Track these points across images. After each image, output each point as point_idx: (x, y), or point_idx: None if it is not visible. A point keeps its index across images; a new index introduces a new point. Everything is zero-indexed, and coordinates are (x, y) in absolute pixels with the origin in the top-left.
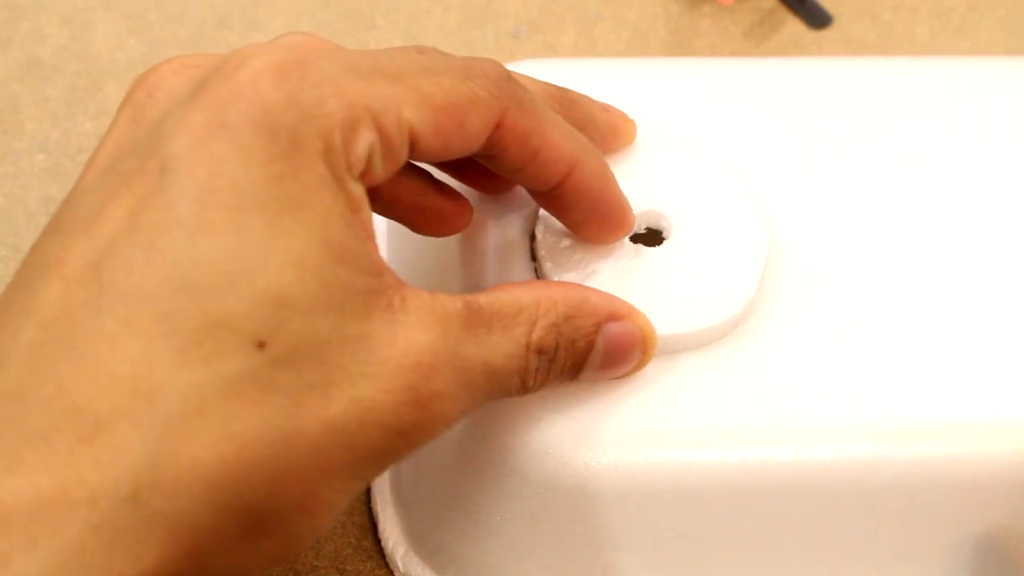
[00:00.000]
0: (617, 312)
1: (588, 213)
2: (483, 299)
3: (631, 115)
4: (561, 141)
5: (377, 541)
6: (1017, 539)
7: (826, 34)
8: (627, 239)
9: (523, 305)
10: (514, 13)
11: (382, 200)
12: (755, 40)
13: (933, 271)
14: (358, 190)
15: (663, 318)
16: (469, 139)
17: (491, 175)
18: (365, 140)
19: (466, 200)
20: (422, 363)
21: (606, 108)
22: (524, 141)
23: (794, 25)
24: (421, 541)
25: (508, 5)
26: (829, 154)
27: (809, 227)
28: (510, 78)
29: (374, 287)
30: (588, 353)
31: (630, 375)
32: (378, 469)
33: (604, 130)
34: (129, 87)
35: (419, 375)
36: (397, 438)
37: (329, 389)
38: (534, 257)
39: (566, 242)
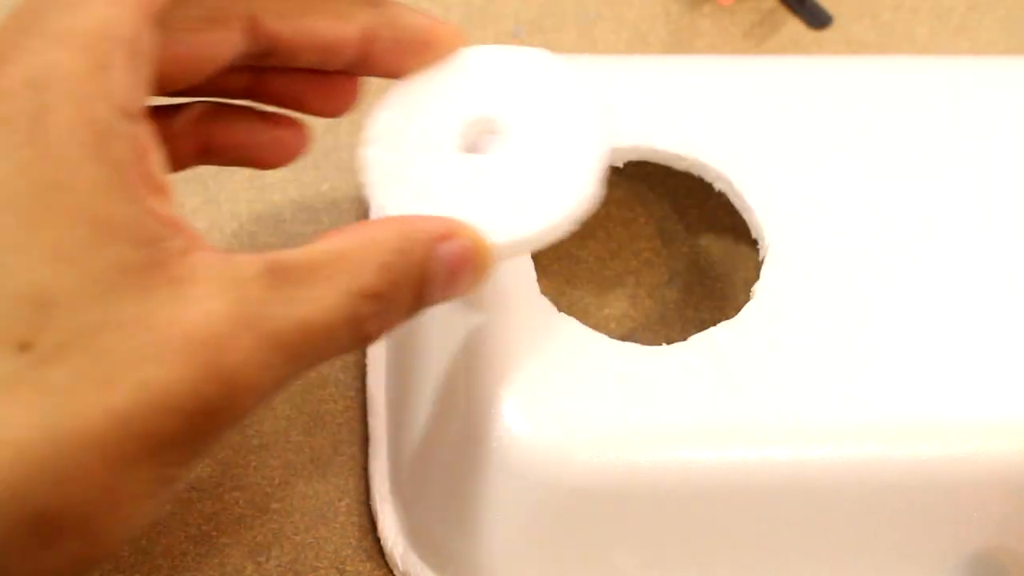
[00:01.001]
0: (446, 231)
1: (410, 44)
2: (295, 254)
3: (629, 111)
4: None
5: (376, 541)
6: (1015, 540)
7: (826, 34)
8: (459, 149)
9: (344, 251)
10: (514, 13)
11: (212, 150)
12: (755, 40)
13: (933, 270)
14: (131, 132)
15: (500, 225)
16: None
17: (313, 88)
18: (120, 58)
19: (299, 122)
20: (216, 334)
21: (422, 13)
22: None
23: (794, 25)
24: (420, 540)
25: (508, 5)
26: (828, 152)
27: (809, 225)
28: None
29: (152, 259)
30: (427, 282)
31: (473, 289)
32: (191, 453)
33: (421, 33)
34: None
35: (214, 348)
36: (202, 419)
37: (110, 379)
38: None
39: (395, 159)
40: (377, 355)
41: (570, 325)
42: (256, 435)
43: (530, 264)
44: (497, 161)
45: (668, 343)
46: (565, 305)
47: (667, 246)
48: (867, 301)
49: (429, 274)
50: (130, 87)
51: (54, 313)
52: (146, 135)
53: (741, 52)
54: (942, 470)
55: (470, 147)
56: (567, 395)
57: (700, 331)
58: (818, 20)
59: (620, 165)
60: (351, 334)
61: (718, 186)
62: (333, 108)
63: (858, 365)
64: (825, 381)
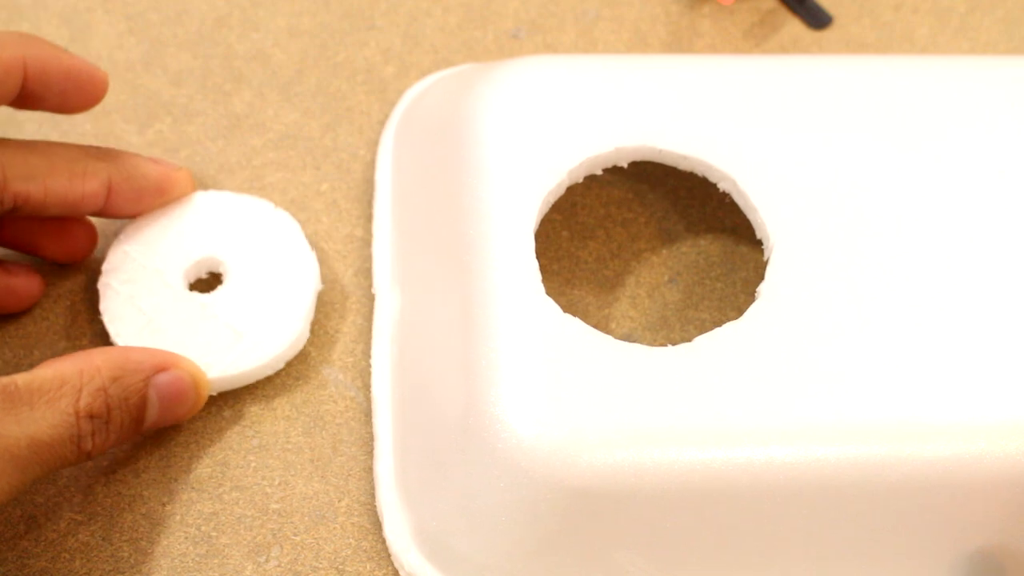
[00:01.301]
0: (162, 363)
1: (62, 91)
2: (22, 379)
3: (632, 111)
4: None
5: (377, 541)
6: (1014, 540)
7: (826, 34)
8: (186, 286)
9: (65, 377)
10: (514, 13)
11: None
12: (755, 40)
13: (937, 271)
14: None
15: (217, 359)
16: None
17: (48, 238)
18: None
19: (33, 271)
20: None
21: (156, 161)
22: None
23: (794, 25)
24: (426, 541)
25: (508, 5)
26: (833, 152)
27: (814, 224)
28: None
29: None
30: (143, 407)
31: (190, 414)
32: None
33: (156, 181)
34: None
35: None
36: None
37: None
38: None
39: (129, 291)
40: (381, 356)
41: (575, 326)
42: (256, 435)
43: (535, 265)
44: (219, 299)
45: (670, 343)
46: (565, 305)
47: (667, 246)
48: (872, 301)
49: (145, 400)
50: None
51: None
52: None
53: (741, 52)
54: (946, 470)
55: (197, 284)
56: (573, 396)
57: (702, 331)
58: (818, 20)
59: (624, 165)
60: (74, 448)
61: (722, 186)
62: (70, 253)
63: (861, 366)
64: (829, 382)
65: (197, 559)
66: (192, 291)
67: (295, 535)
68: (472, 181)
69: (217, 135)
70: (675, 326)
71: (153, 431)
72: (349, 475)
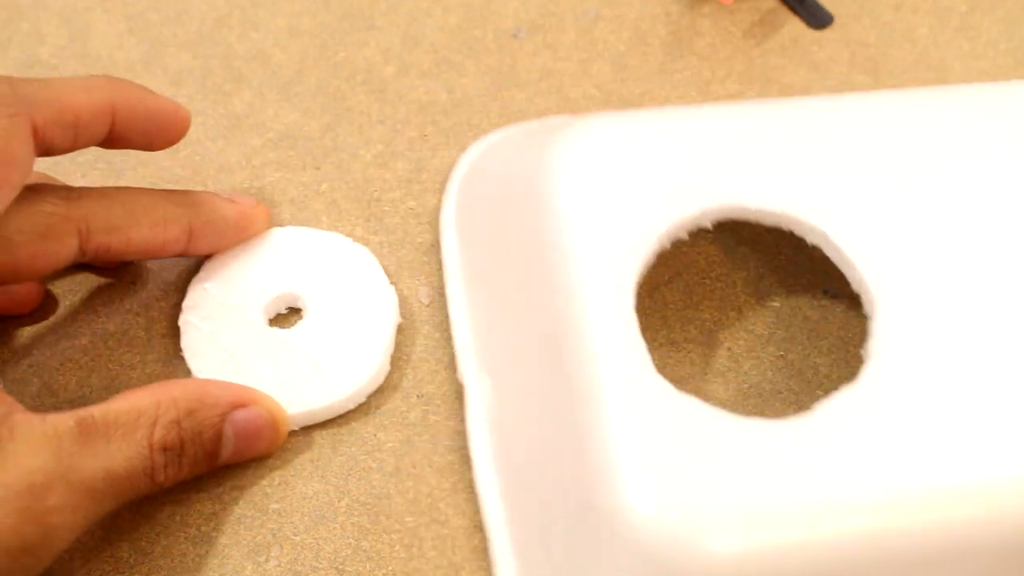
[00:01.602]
0: (240, 399)
1: (147, 131)
2: (98, 412)
3: (706, 167)
4: (85, 100)
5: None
6: None
7: (826, 34)
8: (265, 321)
9: (141, 409)
10: (514, 13)
11: None
12: (755, 40)
13: None
14: None
15: (296, 395)
16: None
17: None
18: None
19: (39, 285)
20: (34, 484)
21: (233, 200)
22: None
23: (794, 24)
24: None
25: (508, 5)
26: (923, 194)
27: (915, 274)
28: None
29: None
30: (218, 441)
31: (271, 450)
32: None
33: (235, 221)
34: None
35: (32, 496)
36: (22, 555)
37: None
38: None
39: (209, 327)
40: (480, 446)
41: (691, 403)
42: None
43: (642, 344)
44: (299, 333)
45: (669, 342)
46: None
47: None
48: (991, 348)
49: (220, 435)
50: None
51: None
52: None
53: (741, 52)
54: None
55: (276, 319)
56: (694, 476)
57: (703, 332)
58: (818, 20)
59: (709, 226)
60: (147, 480)
61: (811, 239)
62: (12, 309)
63: (993, 417)
64: (959, 438)
65: (197, 559)
66: (272, 326)
67: (295, 535)
68: (559, 259)
69: (217, 135)
70: (675, 326)
71: (230, 464)
72: (349, 475)
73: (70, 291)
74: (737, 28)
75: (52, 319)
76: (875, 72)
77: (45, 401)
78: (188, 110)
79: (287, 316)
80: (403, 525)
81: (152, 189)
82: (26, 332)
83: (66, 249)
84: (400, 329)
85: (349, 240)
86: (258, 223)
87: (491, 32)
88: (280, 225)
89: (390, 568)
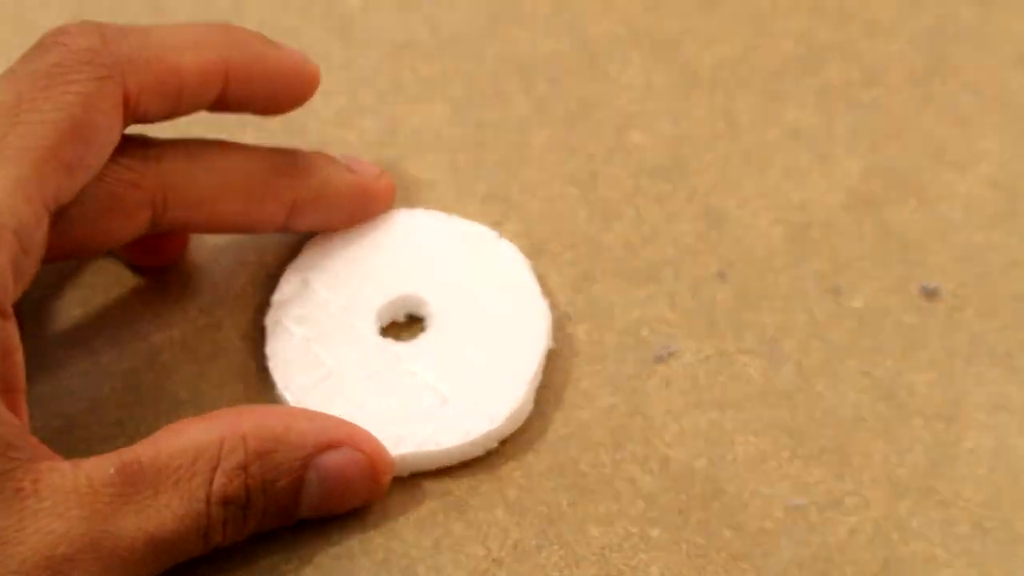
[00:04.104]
0: (332, 438)
1: (264, 96)
2: (146, 454)
3: None
4: (193, 61)
5: None
6: None
7: None
8: (376, 330)
9: (200, 449)
10: None
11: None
12: None
13: None
14: None
15: (414, 429)
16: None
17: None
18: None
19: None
20: (55, 556)
21: (352, 168)
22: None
23: None
24: None
25: None
26: None
27: None
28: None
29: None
30: (297, 492)
31: (364, 503)
32: None
33: (350, 197)
34: None
35: (52, 571)
36: None
37: None
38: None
39: (303, 332)
40: None
41: None
42: None
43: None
44: (420, 350)
45: (720, 355)
46: (583, 304)
47: (716, 227)
48: None
49: (300, 484)
50: (6, 287)
51: None
52: (11, 334)
53: None
54: None
55: (392, 328)
56: None
57: (762, 340)
58: None
59: None
60: (200, 541)
61: None
62: (158, 259)
63: None
64: None
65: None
66: (386, 337)
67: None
68: None
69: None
70: (727, 333)
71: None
72: (466, 547)
73: (111, 282)
74: None
75: (83, 321)
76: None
77: (78, 436)
78: (316, 66)
79: (405, 326)
80: None
81: (249, 147)
82: (54, 342)
83: (134, 225)
84: (550, 356)
85: (494, 234)
86: (380, 200)
87: None
88: (408, 206)
89: None
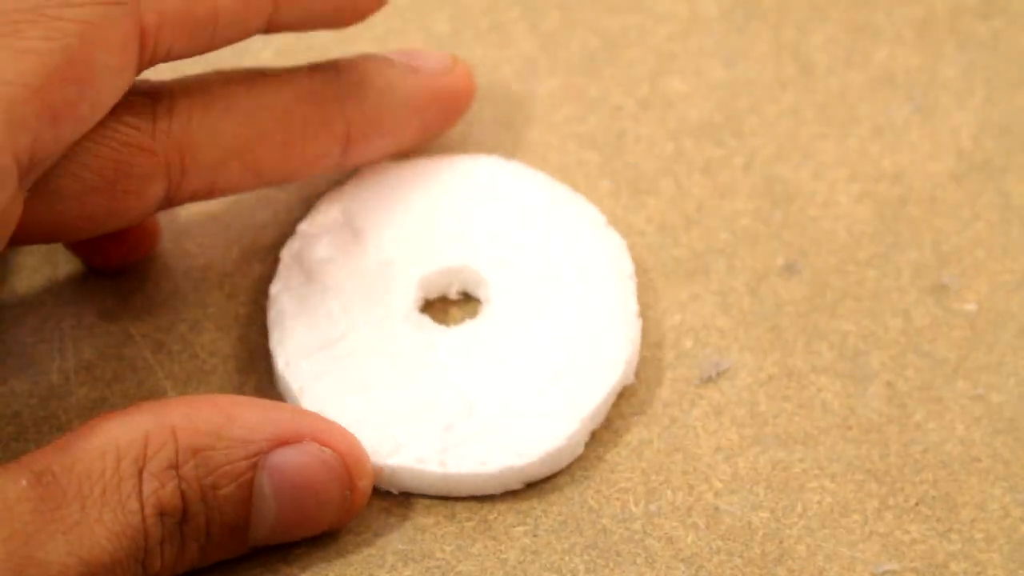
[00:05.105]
0: (289, 432)
1: (323, 12)
2: (58, 460)
3: None
4: None
5: None
6: None
7: None
8: (416, 303)
9: (122, 448)
10: None
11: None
12: None
13: None
14: None
15: (425, 443)
16: None
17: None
18: None
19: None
20: None
21: (411, 62)
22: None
23: None
24: None
25: None
26: None
27: None
28: None
29: None
30: (246, 503)
31: (340, 521)
32: None
33: (417, 103)
34: None
35: None
36: None
37: None
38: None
39: (318, 289)
40: None
41: None
42: None
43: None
44: (459, 341)
45: (786, 375)
46: None
47: (781, 206)
48: None
49: (249, 490)
50: None
51: None
52: None
53: None
54: None
55: (438, 305)
56: None
57: (842, 354)
58: None
59: None
60: (138, 569)
61: None
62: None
63: None
64: None
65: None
66: (424, 313)
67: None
68: None
69: None
70: (795, 345)
71: (271, 544)
72: None
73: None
74: None
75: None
76: None
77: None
78: None
79: (453, 304)
80: None
81: (280, 73)
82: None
83: (143, 202)
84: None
85: (603, 220)
86: (460, 99)
87: None
88: (473, 152)
89: None
